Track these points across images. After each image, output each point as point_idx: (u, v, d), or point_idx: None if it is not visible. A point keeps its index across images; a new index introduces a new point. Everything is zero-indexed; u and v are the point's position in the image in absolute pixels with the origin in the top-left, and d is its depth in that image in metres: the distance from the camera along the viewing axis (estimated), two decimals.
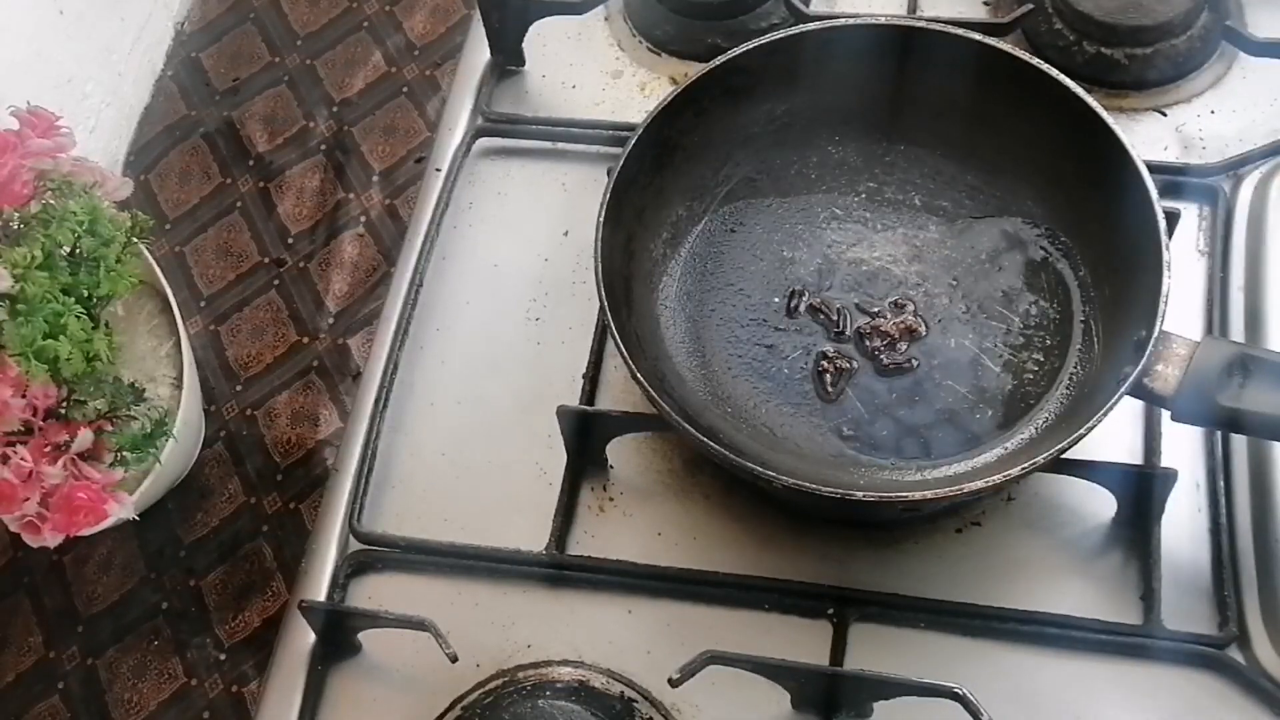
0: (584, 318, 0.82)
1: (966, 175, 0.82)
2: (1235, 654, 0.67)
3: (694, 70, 0.79)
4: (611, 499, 0.76)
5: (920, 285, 0.79)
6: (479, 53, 0.94)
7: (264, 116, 1.05)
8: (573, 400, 0.78)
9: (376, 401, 0.80)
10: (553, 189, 0.88)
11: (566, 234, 0.86)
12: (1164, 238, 0.69)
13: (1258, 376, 0.66)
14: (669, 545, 0.74)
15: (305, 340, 0.95)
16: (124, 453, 0.75)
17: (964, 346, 0.77)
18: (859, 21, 0.80)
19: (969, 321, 0.77)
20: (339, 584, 0.75)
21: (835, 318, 0.78)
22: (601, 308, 0.72)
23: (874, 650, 0.70)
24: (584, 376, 0.80)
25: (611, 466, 0.77)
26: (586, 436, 0.75)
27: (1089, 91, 0.74)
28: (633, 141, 0.76)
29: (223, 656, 0.83)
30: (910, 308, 0.78)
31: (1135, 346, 0.68)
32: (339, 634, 0.72)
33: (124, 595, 0.85)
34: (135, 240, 0.77)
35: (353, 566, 0.75)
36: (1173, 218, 0.75)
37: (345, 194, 1.01)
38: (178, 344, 0.83)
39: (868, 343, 0.77)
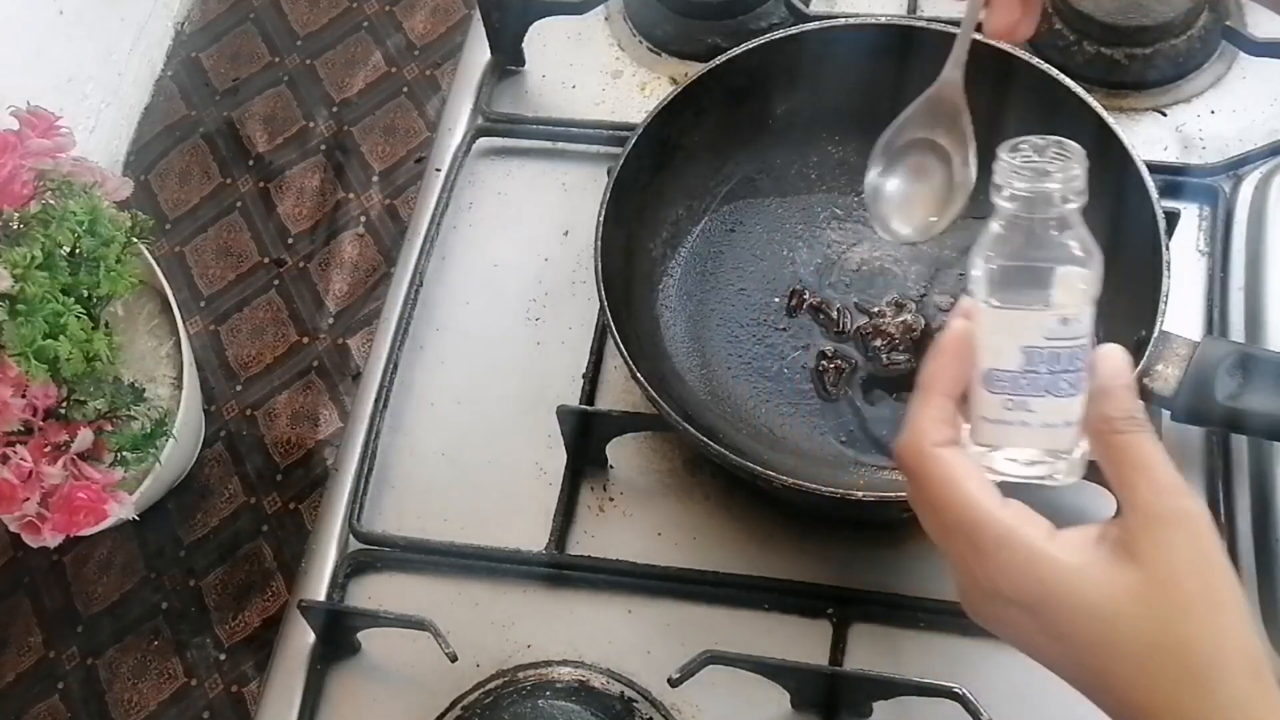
0: (584, 318, 0.82)
1: None
2: None
3: (694, 70, 0.79)
4: (611, 499, 0.76)
5: (920, 285, 0.79)
6: (479, 53, 0.94)
7: (264, 116, 1.05)
8: (573, 400, 0.78)
9: (376, 401, 0.80)
10: (553, 189, 0.88)
11: (566, 234, 0.86)
12: (1164, 238, 0.69)
13: (1258, 376, 0.66)
14: (669, 545, 0.74)
15: (305, 340, 0.95)
16: (124, 453, 0.75)
17: None
18: (859, 21, 0.80)
19: None
20: (338, 584, 0.75)
21: (835, 317, 0.78)
22: (601, 308, 0.72)
23: (874, 650, 0.70)
24: (584, 376, 0.80)
25: (611, 466, 0.77)
26: (586, 436, 0.75)
27: (1089, 91, 0.74)
28: (633, 141, 0.76)
29: (223, 656, 0.83)
30: (910, 307, 0.78)
31: (1135, 346, 0.68)
32: (338, 634, 0.72)
33: (124, 595, 0.85)
34: (135, 240, 0.77)
35: (352, 566, 0.75)
36: (1173, 218, 0.75)
37: (345, 194, 1.01)
38: (178, 344, 0.83)
39: (868, 343, 0.77)
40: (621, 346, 0.70)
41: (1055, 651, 0.46)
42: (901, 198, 0.62)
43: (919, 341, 0.77)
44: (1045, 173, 0.46)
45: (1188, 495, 0.46)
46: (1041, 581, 0.45)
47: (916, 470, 0.48)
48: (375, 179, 1.01)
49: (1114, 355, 0.48)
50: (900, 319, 0.77)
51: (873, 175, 0.63)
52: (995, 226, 0.48)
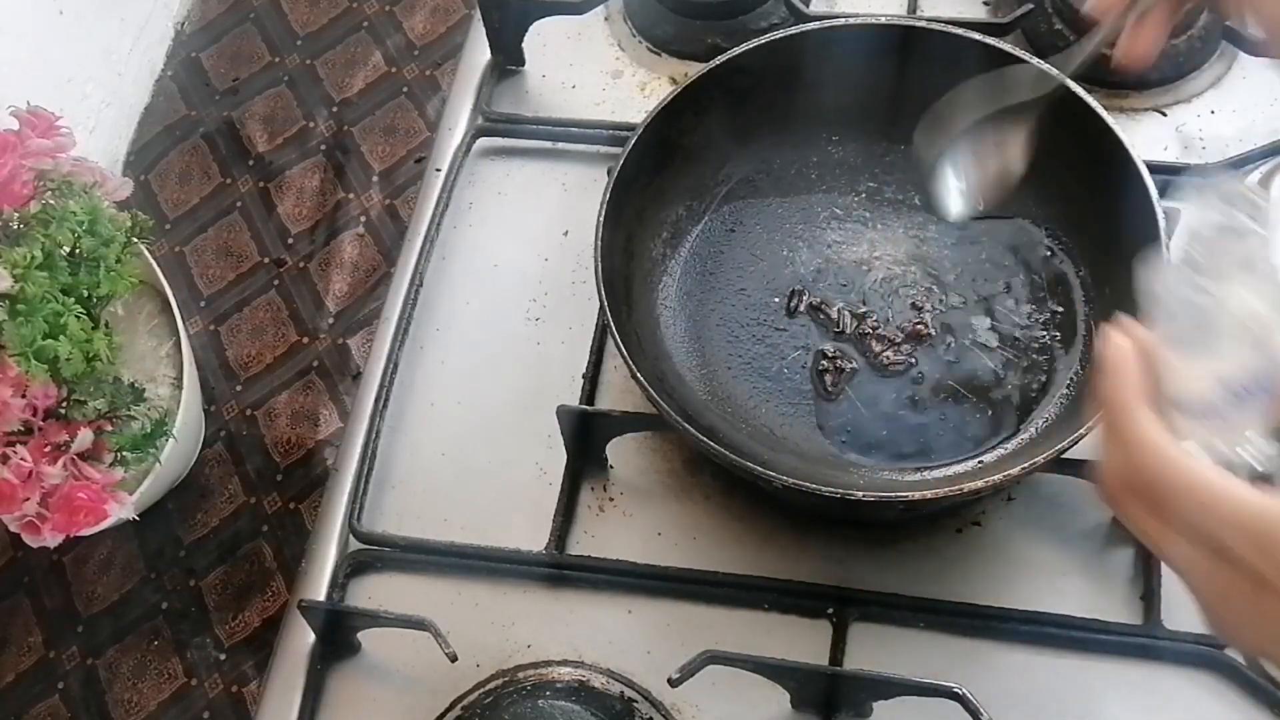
0: (584, 318, 0.82)
1: None
2: (1235, 654, 0.67)
3: (694, 70, 0.79)
4: (611, 499, 0.76)
5: (920, 285, 0.79)
6: (479, 53, 0.94)
7: (264, 116, 1.05)
8: (573, 400, 0.78)
9: (376, 401, 0.80)
10: (553, 189, 0.88)
11: (566, 234, 0.86)
12: (1164, 237, 0.69)
13: None
14: (669, 545, 0.74)
15: (305, 340, 0.95)
16: (124, 453, 0.75)
17: (964, 346, 0.77)
18: (859, 21, 0.80)
19: (969, 321, 0.77)
20: (339, 584, 0.75)
21: (835, 317, 0.78)
22: (601, 308, 0.72)
23: (874, 650, 0.70)
24: (584, 376, 0.80)
25: (611, 466, 0.77)
26: (586, 436, 0.75)
27: (1089, 91, 0.74)
28: (633, 141, 0.76)
29: (223, 656, 0.83)
30: (911, 307, 0.78)
31: None
32: (339, 634, 0.72)
33: (124, 595, 0.85)
34: (135, 240, 0.77)
35: (352, 566, 0.75)
36: (1173, 217, 0.75)
37: (345, 194, 1.01)
38: (178, 344, 0.83)
39: (868, 343, 0.77)
40: (621, 346, 0.70)
41: None
42: (961, 177, 0.62)
43: (919, 341, 0.77)
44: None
45: None
46: None
47: (1176, 483, 0.46)
48: (375, 179, 1.02)
49: None
50: (900, 319, 0.77)
51: (932, 152, 0.61)
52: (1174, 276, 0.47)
